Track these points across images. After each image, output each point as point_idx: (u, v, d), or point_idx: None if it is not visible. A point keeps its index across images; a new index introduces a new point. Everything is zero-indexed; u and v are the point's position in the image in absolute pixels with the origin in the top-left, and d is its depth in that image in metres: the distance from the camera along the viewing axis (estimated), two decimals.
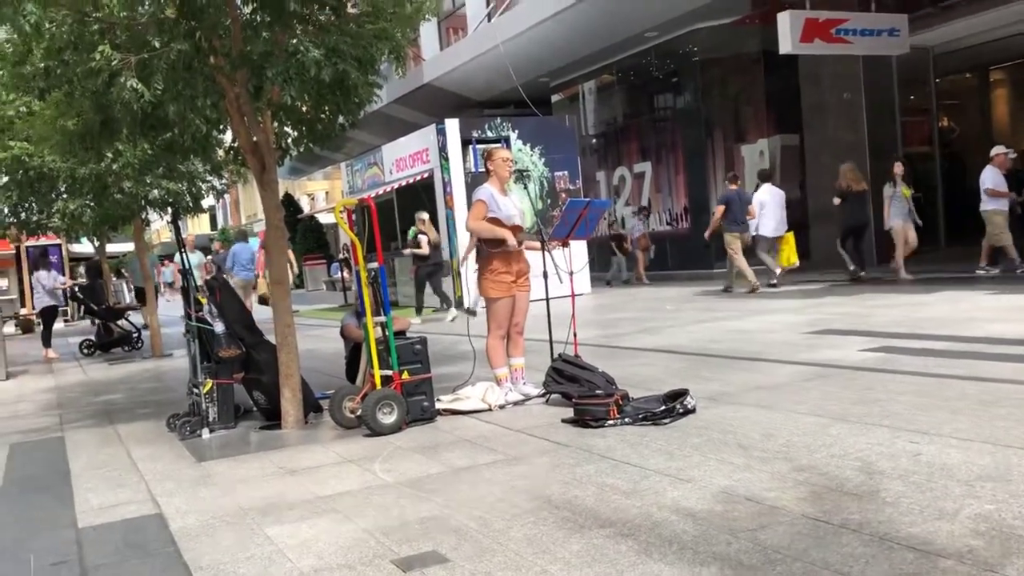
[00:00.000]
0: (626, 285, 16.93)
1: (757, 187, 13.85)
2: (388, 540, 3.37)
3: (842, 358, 6.37)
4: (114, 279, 26.58)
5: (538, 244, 6.14)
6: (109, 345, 14.01)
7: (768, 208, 13.31)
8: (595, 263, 17.36)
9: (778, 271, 13.20)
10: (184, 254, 6.68)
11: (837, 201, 12.89)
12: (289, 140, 6.78)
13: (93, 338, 14.22)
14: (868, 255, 15.25)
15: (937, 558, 2.68)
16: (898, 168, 12.31)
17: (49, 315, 14.25)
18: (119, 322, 14.25)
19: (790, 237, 13.59)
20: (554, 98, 21.39)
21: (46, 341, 14.09)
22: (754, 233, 13.31)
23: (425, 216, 14.16)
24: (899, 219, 12.25)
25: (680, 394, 5.12)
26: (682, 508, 3.39)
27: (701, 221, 17.03)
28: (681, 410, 4.99)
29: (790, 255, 13.56)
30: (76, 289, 16.12)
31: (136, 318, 15.21)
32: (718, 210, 13.30)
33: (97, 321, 14.62)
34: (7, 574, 3.55)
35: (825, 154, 16.19)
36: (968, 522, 2.95)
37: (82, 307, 16.65)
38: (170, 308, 15.89)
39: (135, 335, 14.10)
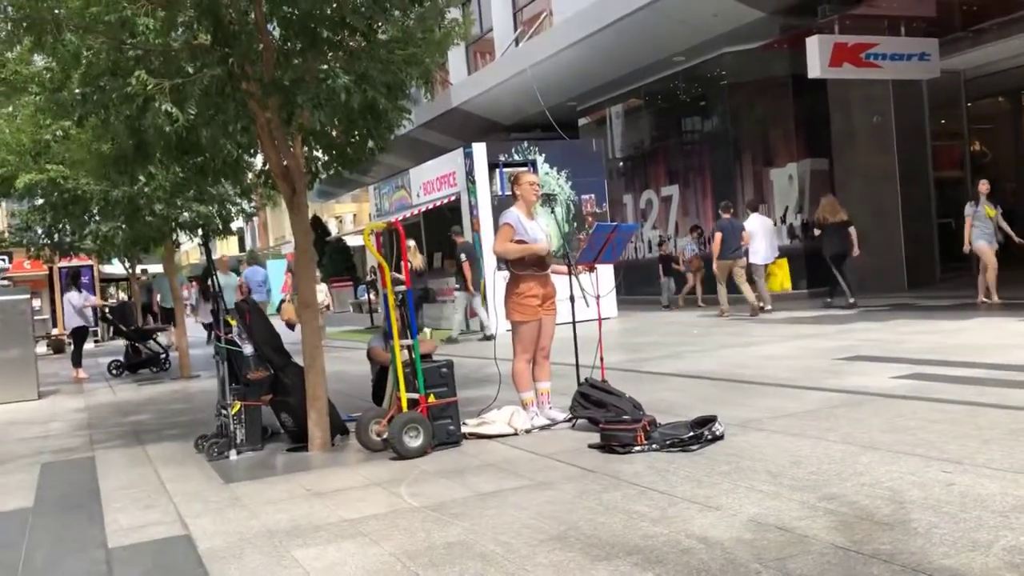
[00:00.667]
0: (667, 310, 16.50)
1: (747, 216, 14.51)
2: (414, 564, 3.36)
3: (873, 385, 6.30)
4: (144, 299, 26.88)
5: (565, 268, 6.14)
6: (137, 366, 14.14)
7: (758, 237, 13.85)
8: (623, 286, 17.31)
9: (768, 304, 13.60)
10: (215, 276, 6.75)
11: (816, 232, 13.54)
12: (319, 164, 6.84)
13: (122, 359, 14.38)
14: (898, 281, 15.22)
15: None
16: (983, 187, 11.79)
17: (80, 335, 14.43)
18: (147, 343, 14.39)
19: (783, 263, 14.39)
20: (581, 122, 21.46)
21: (76, 361, 14.27)
22: (749, 261, 13.85)
23: (411, 243, 14.21)
24: (983, 240, 11.67)
25: (708, 420, 5.08)
26: (710, 536, 3.35)
27: None
28: (709, 436, 4.95)
29: (783, 280, 14.55)
30: (106, 310, 16.33)
31: (162, 339, 15.33)
32: (716, 238, 13.76)
33: (127, 342, 14.78)
34: None
35: (855, 179, 16.08)
36: (1003, 554, 2.90)
37: (112, 328, 16.86)
38: (195, 329, 16.07)
39: (163, 356, 14.24)
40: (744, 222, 14.09)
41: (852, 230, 13.07)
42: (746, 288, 13.56)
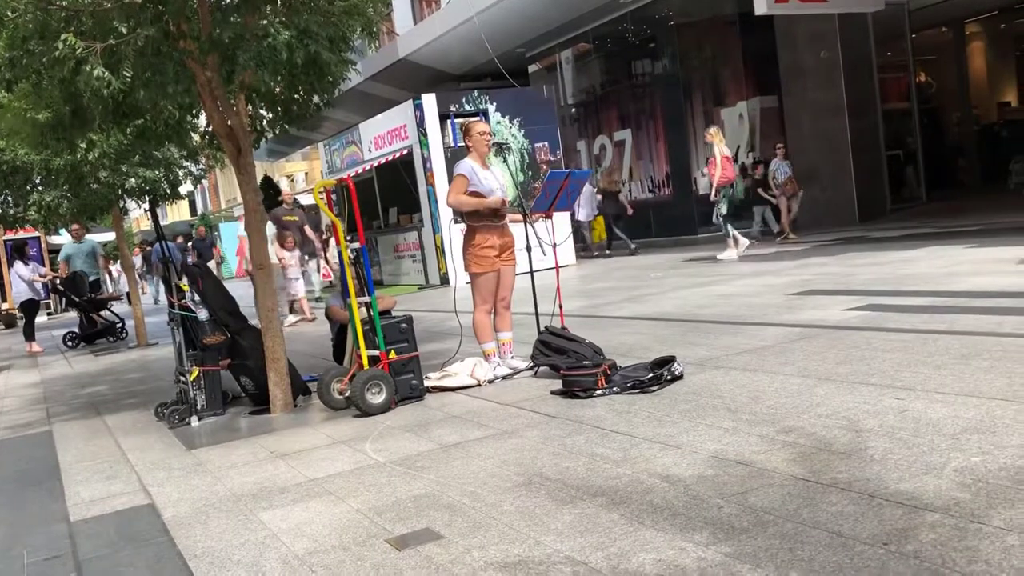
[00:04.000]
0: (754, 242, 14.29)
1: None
2: (381, 519, 3.37)
3: (827, 318, 6.41)
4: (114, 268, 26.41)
5: (520, 216, 6.11)
6: (93, 336, 13.91)
7: (580, 199, 16.21)
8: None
9: (595, 251, 17.29)
10: (164, 243, 6.62)
11: (599, 197, 17.09)
12: (264, 122, 6.70)
13: (76, 330, 14.12)
14: (849, 214, 15.43)
15: (925, 512, 2.71)
16: None
17: (31, 309, 14.12)
18: (102, 313, 14.14)
19: (600, 220, 17.61)
20: (531, 69, 21.23)
21: (29, 335, 13.99)
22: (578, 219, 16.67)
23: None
24: None
25: (667, 361, 5.14)
26: (672, 474, 3.40)
27: (683, 187, 17.04)
28: (669, 377, 5.01)
29: (601, 233, 17.80)
30: (57, 281, 15.98)
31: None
32: None
33: (80, 313, 14.51)
34: (0, 571, 3.54)
35: (804, 114, 16.18)
36: (954, 475, 2.98)
37: (64, 299, 16.53)
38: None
39: (119, 325, 14.01)
40: None
41: (622, 196, 17.36)
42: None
